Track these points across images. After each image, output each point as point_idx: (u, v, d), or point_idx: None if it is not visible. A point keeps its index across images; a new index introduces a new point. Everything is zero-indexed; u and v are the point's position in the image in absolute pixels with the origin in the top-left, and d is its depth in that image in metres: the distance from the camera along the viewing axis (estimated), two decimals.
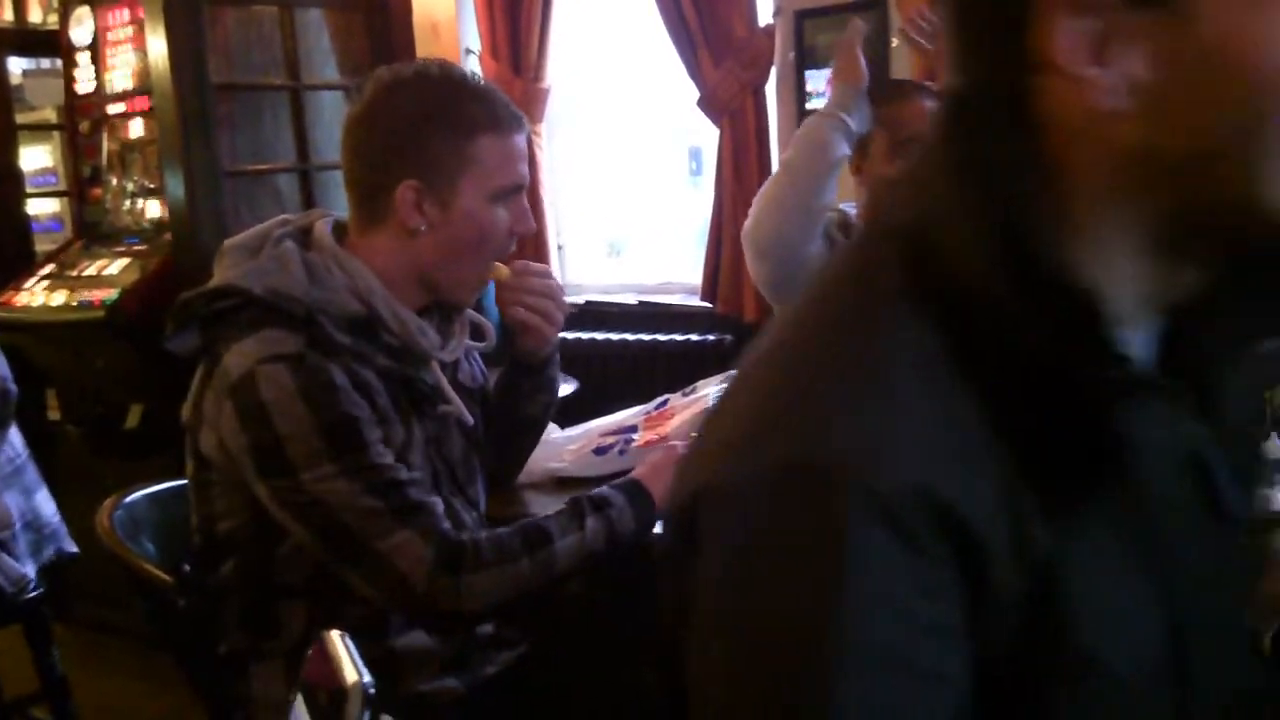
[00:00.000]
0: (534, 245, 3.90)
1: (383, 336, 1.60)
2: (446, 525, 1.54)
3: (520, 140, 1.65)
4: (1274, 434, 1.61)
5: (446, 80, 1.63)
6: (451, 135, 1.59)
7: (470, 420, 1.73)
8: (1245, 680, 0.86)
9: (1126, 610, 0.74)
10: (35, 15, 4.68)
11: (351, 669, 0.44)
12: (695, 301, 3.82)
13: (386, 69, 1.65)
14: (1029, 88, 0.72)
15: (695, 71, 3.62)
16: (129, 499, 1.75)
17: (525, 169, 1.67)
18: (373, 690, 0.43)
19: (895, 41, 3.18)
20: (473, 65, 3.97)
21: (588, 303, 3.96)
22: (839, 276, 0.80)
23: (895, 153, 2.33)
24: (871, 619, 0.67)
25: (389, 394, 1.59)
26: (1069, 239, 0.72)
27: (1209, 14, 0.67)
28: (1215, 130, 0.69)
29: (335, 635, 0.46)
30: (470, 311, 1.79)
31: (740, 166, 3.61)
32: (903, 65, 3.20)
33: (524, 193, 1.68)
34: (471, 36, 3.96)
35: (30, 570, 2.52)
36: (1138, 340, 0.76)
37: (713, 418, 0.80)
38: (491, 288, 1.77)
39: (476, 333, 1.82)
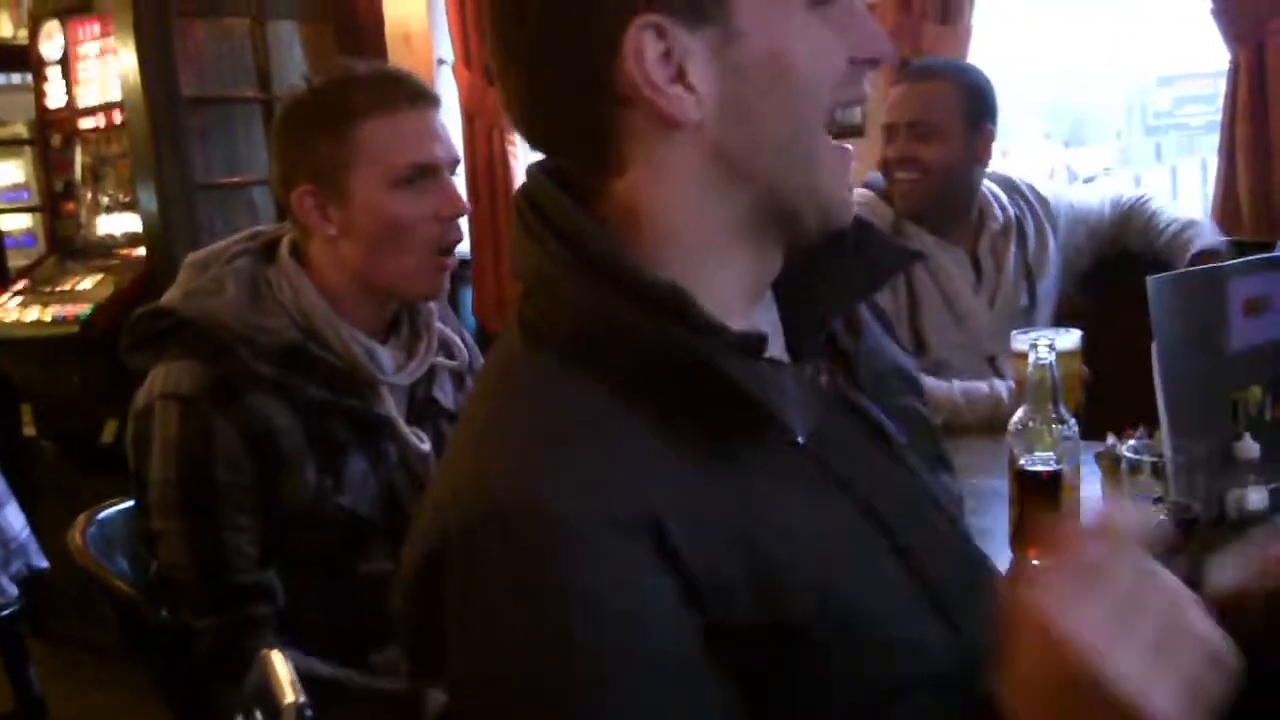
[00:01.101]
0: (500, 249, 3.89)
1: (324, 360, 1.56)
2: (257, 617, 1.52)
3: (421, 117, 1.57)
4: (1246, 434, 1.62)
5: (332, 79, 1.58)
6: (332, 128, 1.54)
7: (425, 449, 1.65)
8: (971, 575, 0.97)
9: (825, 534, 0.84)
10: (5, 30, 4.66)
11: (289, 690, 0.44)
12: None
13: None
14: (608, 122, 0.84)
15: None
16: (101, 515, 1.75)
17: (434, 146, 1.58)
18: (309, 712, 0.43)
19: None
20: (445, 75, 3.97)
21: None
22: (500, 339, 0.91)
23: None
24: (603, 628, 0.74)
25: (311, 433, 1.55)
26: (651, 253, 0.84)
27: (753, 30, 0.82)
28: (775, 130, 0.84)
29: (275, 655, 0.46)
30: (441, 327, 1.73)
31: None
32: None
33: (443, 172, 1.59)
34: (445, 47, 3.95)
35: (8, 585, 2.51)
36: (761, 321, 0.91)
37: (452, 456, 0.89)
38: (468, 297, 1.74)
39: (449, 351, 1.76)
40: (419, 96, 1.58)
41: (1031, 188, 2.59)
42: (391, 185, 1.54)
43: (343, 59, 1.65)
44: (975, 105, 2.38)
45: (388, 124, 1.54)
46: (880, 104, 2.44)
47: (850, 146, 0.89)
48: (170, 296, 1.59)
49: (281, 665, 0.46)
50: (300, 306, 1.56)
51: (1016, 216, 2.50)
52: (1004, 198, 2.52)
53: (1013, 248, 2.47)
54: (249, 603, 1.52)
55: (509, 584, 0.75)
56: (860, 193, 2.48)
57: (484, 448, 0.83)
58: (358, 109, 1.54)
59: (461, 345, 1.78)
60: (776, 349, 0.91)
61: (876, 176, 2.51)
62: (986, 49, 3.07)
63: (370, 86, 1.56)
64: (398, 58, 3.87)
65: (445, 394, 1.74)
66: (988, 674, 0.89)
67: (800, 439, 0.83)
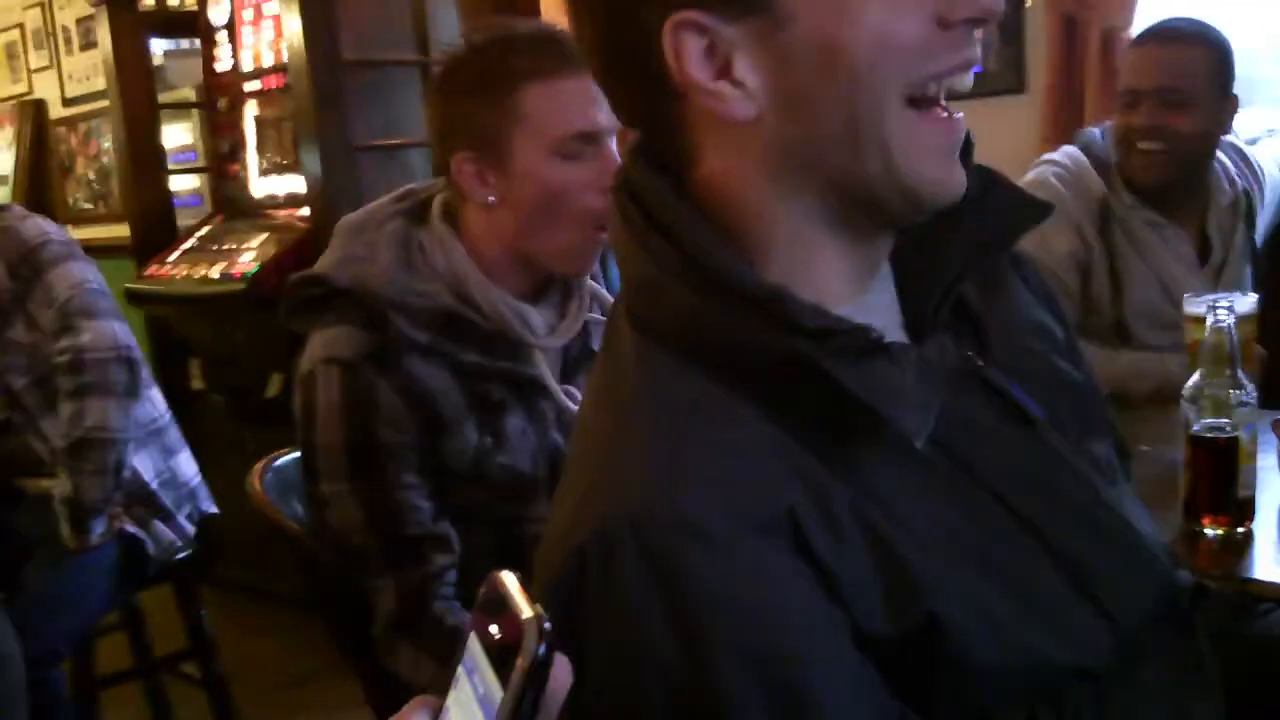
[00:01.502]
0: None
1: (477, 325, 1.56)
2: (435, 570, 1.54)
3: (582, 82, 1.49)
4: None
5: (492, 39, 1.54)
6: (493, 93, 1.51)
7: (574, 408, 1.64)
8: (1136, 562, 0.91)
9: (952, 528, 0.80)
10: None
11: (526, 604, 0.45)
12: None
13: (466, 33, 1.60)
14: (674, 117, 0.82)
15: None
16: (279, 462, 1.80)
17: (596, 113, 1.51)
18: (548, 624, 0.44)
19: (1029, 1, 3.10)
20: None
21: None
22: (602, 358, 0.90)
23: None
24: (746, 628, 0.72)
25: (471, 396, 1.56)
26: (752, 254, 0.82)
27: (802, 11, 0.76)
28: (833, 118, 0.78)
29: (506, 574, 0.47)
30: (592, 284, 1.70)
31: None
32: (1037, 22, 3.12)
33: (605, 140, 1.53)
34: None
35: (186, 525, 2.62)
36: (875, 304, 0.86)
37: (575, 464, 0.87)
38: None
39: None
40: (578, 62, 1.48)
41: (1256, 159, 2.41)
42: (554, 153, 1.51)
43: (500, 18, 1.60)
44: (1225, 71, 2.21)
45: (550, 90, 1.51)
46: (1036, 60, 2.29)
47: (958, 114, 0.82)
48: (324, 263, 1.59)
49: (513, 581, 0.46)
50: (452, 271, 1.56)
51: (1245, 191, 2.33)
52: (1232, 169, 2.35)
53: (1241, 226, 2.31)
54: (426, 556, 1.54)
55: (650, 593, 0.72)
56: (1068, 153, 2.32)
57: (610, 455, 0.81)
58: (519, 73, 1.50)
59: (610, 299, 1.75)
60: (893, 331, 0.87)
61: (1094, 136, 2.33)
62: (1152, 5, 2.95)
63: (531, 49, 1.52)
64: (550, 16, 3.88)
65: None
66: (1148, 657, 0.86)
67: (918, 444, 0.78)
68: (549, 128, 1.51)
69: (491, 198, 1.55)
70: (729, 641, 0.71)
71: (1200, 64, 2.18)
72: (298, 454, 1.85)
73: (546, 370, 1.62)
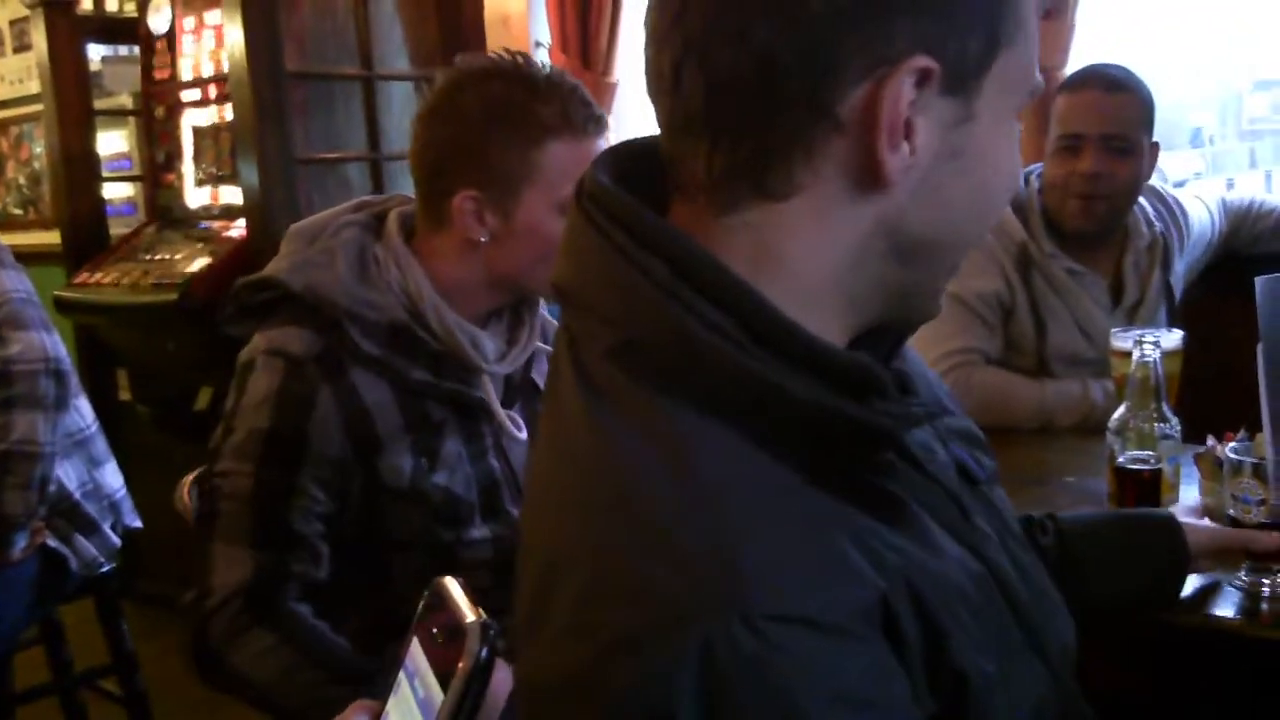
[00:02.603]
0: None
1: (426, 343, 1.54)
2: (300, 571, 1.49)
3: (598, 146, 1.51)
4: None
5: (517, 78, 1.51)
6: (515, 141, 1.49)
7: (521, 435, 1.64)
8: (1059, 614, 0.93)
9: (961, 587, 0.78)
10: (113, 3, 4.76)
11: (470, 609, 0.45)
12: None
13: (460, 61, 1.56)
14: (811, 141, 0.73)
15: None
16: None
17: None
18: (493, 629, 0.44)
19: None
20: (542, 58, 3.99)
21: None
22: (589, 411, 0.75)
23: None
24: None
25: (409, 414, 1.54)
26: (770, 292, 0.74)
27: (983, 118, 0.75)
28: (955, 224, 0.78)
29: (449, 580, 0.48)
30: (542, 313, 1.71)
31: None
32: None
33: None
34: (542, 29, 3.98)
35: (112, 537, 2.57)
36: None
37: (549, 601, 0.67)
38: None
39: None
40: (599, 121, 1.53)
41: (1177, 201, 2.45)
42: (560, 209, 1.50)
43: (508, 51, 1.55)
44: (1151, 119, 2.24)
45: (571, 149, 1.50)
46: None
47: None
48: (277, 267, 1.57)
49: (455, 588, 0.47)
50: (406, 289, 1.55)
51: (1162, 234, 2.36)
52: (1150, 211, 2.38)
53: (1157, 269, 2.34)
54: (295, 554, 1.49)
55: (767, 699, 0.63)
56: None
57: (650, 524, 0.69)
58: (546, 127, 1.49)
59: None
60: None
61: None
62: (1081, 48, 3.02)
63: (556, 101, 1.50)
64: (496, 39, 3.91)
65: (541, 374, 1.72)
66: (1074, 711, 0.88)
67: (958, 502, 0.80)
68: (563, 185, 1.49)
69: (484, 237, 1.54)
70: None
71: (1138, 112, 2.22)
72: None
73: (493, 394, 1.61)
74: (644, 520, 0.69)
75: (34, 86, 4.64)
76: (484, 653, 0.43)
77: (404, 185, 3.75)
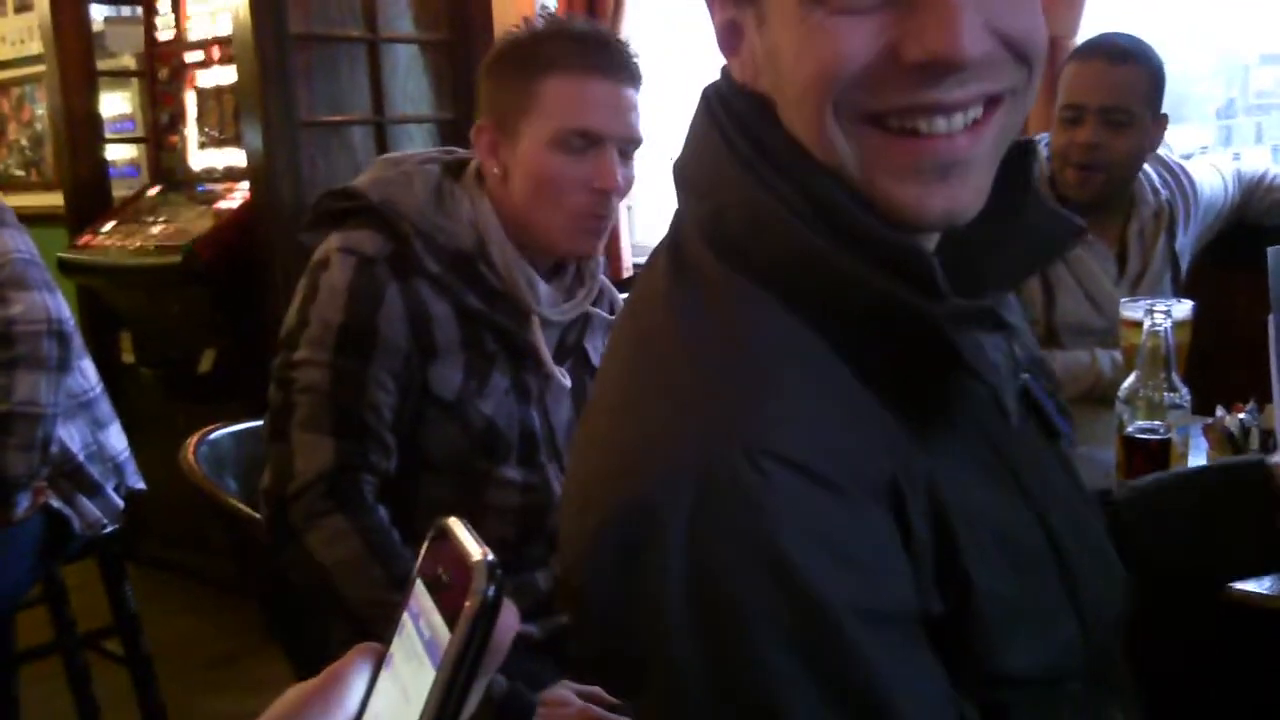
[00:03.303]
0: None
1: (485, 279, 1.60)
2: (375, 462, 1.55)
3: (606, 87, 1.56)
4: None
5: (542, 28, 1.60)
6: (519, 73, 1.57)
7: (566, 384, 1.69)
8: (1109, 577, 0.92)
9: (999, 523, 0.79)
10: None
11: (476, 547, 0.45)
12: None
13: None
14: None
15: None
16: (213, 436, 1.78)
17: (607, 118, 1.56)
18: (500, 569, 0.43)
19: None
20: None
21: None
22: (669, 290, 0.82)
23: None
24: (830, 576, 0.69)
25: (466, 334, 1.60)
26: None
27: (771, 20, 0.79)
28: (794, 120, 0.79)
29: (453, 520, 0.47)
30: (605, 281, 1.77)
31: None
32: None
33: (607, 145, 1.57)
34: None
35: (115, 499, 2.57)
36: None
37: (598, 438, 0.81)
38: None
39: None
40: (614, 67, 1.57)
41: (1184, 170, 2.43)
42: (554, 144, 1.55)
43: (553, 14, 1.64)
44: (1159, 92, 2.21)
45: (571, 84, 1.55)
46: None
47: (946, 134, 0.76)
48: (359, 181, 1.65)
49: (461, 527, 0.46)
50: (476, 223, 1.61)
51: (1168, 201, 2.35)
52: (1156, 179, 2.37)
53: (1163, 236, 2.32)
54: (369, 446, 1.55)
55: (766, 534, 0.68)
56: None
57: (703, 388, 0.75)
58: (545, 61, 1.55)
59: (619, 300, 1.80)
60: None
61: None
62: (1088, 20, 2.99)
63: (571, 44, 1.56)
64: (501, 2, 3.87)
65: (595, 348, 1.77)
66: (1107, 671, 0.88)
67: (1012, 420, 0.79)
68: (555, 119, 1.55)
69: (497, 170, 1.61)
70: (849, 599, 0.69)
71: (1143, 84, 2.20)
72: (234, 427, 1.84)
73: (542, 340, 1.65)
74: (687, 368, 0.77)
75: (35, 47, 4.61)
76: (491, 591, 0.42)
77: (407, 148, 3.73)
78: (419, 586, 0.47)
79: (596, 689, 1.43)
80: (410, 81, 3.88)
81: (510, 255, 1.61)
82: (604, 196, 1.59)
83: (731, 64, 0.84)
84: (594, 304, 1.75)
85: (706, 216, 0.82)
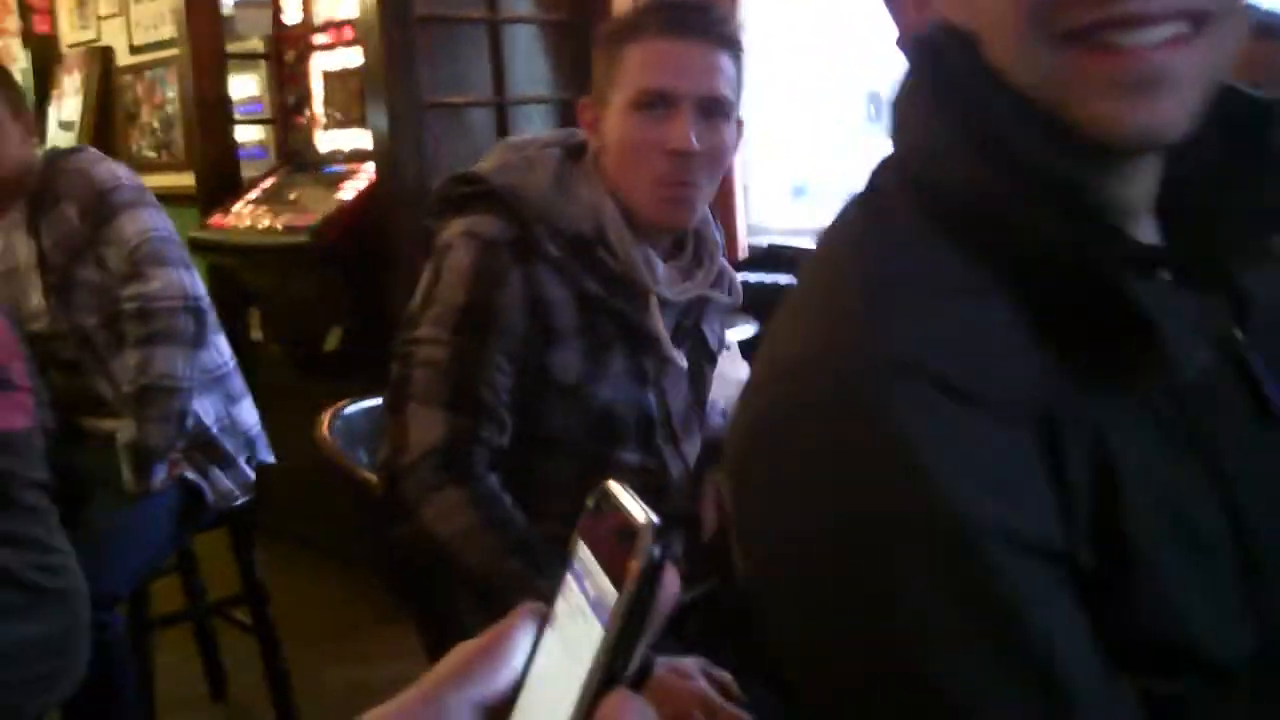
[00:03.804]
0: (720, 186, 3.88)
1: (604, 263, 1.61)
2: (487, 437, 1.56)
3: (681, 47, 1.57)
4: None
5: (647, 3, 1.64)
6: (610, 45, 1.61)
7: (684, 365, 1.70)
8: None
9: (1174, 495, 0.76)
10: None
11: (640, 510, 0.45)
12: None
13: None
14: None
15: (897, 9, 3.54)
16: (347, 410, 1.82)
17: (679, 78, 1.56)
18: (666, 530, 0.44)
19: None
20: None
21: (770, 246, 3.93)
22: (853, 219, 0.86)
23: None
24: (970, 493, 0.69)
25: (584, 319, 1.61)
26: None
27: None
28: (992, 43, 0.78)
29: (614, 484, 0.48)
30: (725, 263, 1.76)
31: None
32: None
33: (682, 105, 1.56)
34: None
35: (247, 470, 2.64)
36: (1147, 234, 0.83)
37: (769, 343, 0.83)
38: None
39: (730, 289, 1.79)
40: (694, 28, 1.57)
41: None
42: (633, 106, 1.58)
43: None
44: None
45: (647, 48, 1.58)
46: None
47: (1150, 48, 0.73)
48: (482, 166, 1.67)
49: (623, 490, 0.47)
50: (595, 206, 1.62)
51: None
52: None
53: None
54: (483, 421, 1.57)
55: (879, 451, 0.71)
56: None
57: (846, 303, 0.78)
58: (631, 29, 1.60)
59: (739, 286, 1.80)
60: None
61: None
62: None
63: (655, 8, 1.61)
64: None
65: (713, 332, 1.79)
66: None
67: (1188, 376, 0.74)
68: (633, 79, 1.58)
69: (596, 143, 1.65)
70: (991, 518, 0.69)
71: None
72: (366, 403, 1.88)
73: (660, 320, 1.66)
74: (849, 289, 0.80)
75: (167, 32, 4.74)
76: (657, 551, 0.42)
77: (528, 130, 3.75)
78: (581, 547, 0.47)
79: (727, 675, 1.43)
80: (531, 62, 3.91)
81: (627, 236, 1.62)
82: (684, 160, 1.57)
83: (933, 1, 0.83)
84: (713, 286, 1.74)
85: (901, 153, 0.85)
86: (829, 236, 0.88)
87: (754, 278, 3.60)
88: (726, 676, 1.43)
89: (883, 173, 0.87)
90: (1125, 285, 0.73)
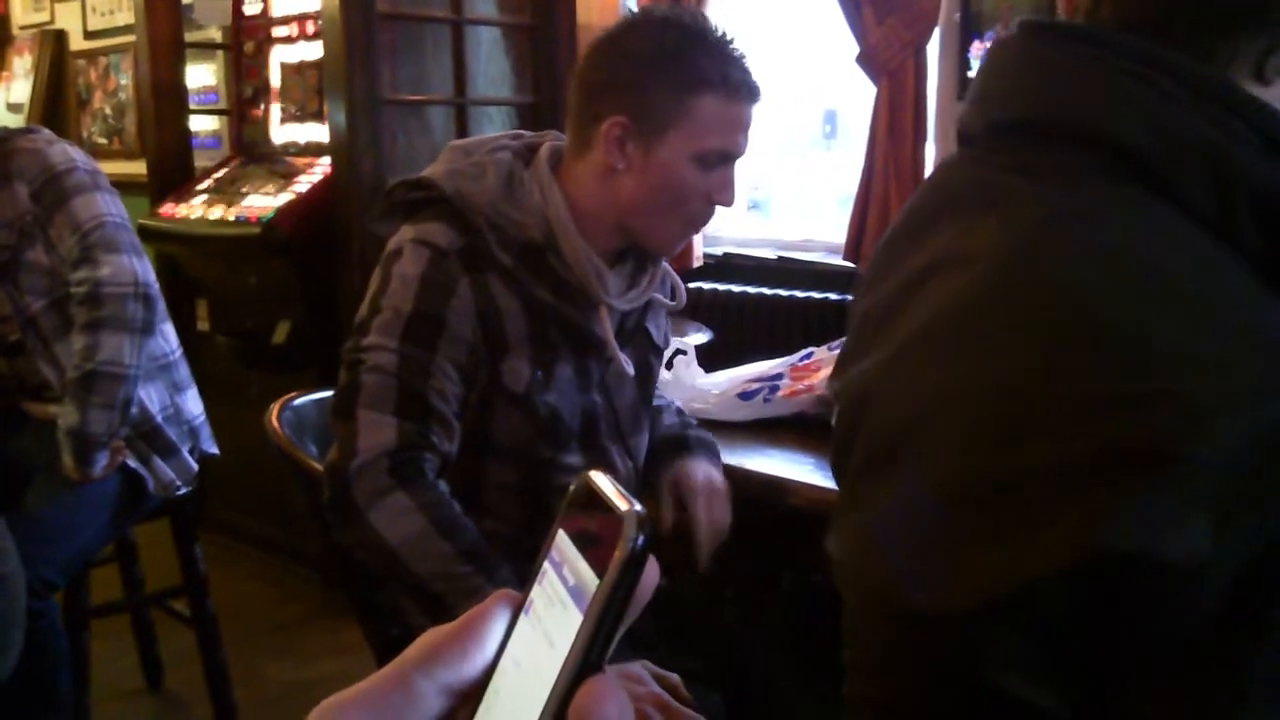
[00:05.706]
0: None
1: (555, 269, 1.62)
2: (436, 443, 1.56)
3: (746, 111, 1.62)
4: None
5: (691, 28, 1.62)
6: (674, 83, 1.59)
7: (630, 372, 1.72)
8: None
9: None
10: None
11: (621, 499, 0.45)
12: (836, 260, 3.79)
13: (646, 5, 1.67)
14: None
15: (857, 26, 3.58)
16: (296, 402, 1.81)
17: (743, 141, 1.64)
18: (648, 520, 0.44)
19: None
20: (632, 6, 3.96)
21: (725, 255, 3.95)
22: (1043, 196, 0.83)
23: None
24: None
25: (533, 326, 1.61)
26: None
27: None
28: None
29: (596, 474, 0.48)
30: (669, 269, 1.79)
31: (895, 127, 3.55)
32: None
33: (733, 164, 1.64)
34: None
35: (190, 461, 2.62)
36: None
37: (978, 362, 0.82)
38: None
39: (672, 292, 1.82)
40: (753, 90, 1.62)
41: None
42: (694, 158, 1.60)
43: (687, 8, 1.65)
44: None
45: (723, 107, 1.60)
46: None
47: None
48: (433, 171, 1.66)
49: (604, 480, 0.47)
50: (546, 213, 1.62)
51: None
52: None
53: None
54: (432, 427, 1.57)
55: None
56: None
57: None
58: (706, 80, 1.58)
59: (682, 289, 1.82)
60: None
61: None
62: None
63: (719, 58, 1.60)
64: (585, 2, 3.87)
65: (657, 327, 1.81)
66: None
67: None
68: (705, 137, 1.60)
69: (621, 165, 1.62)
70: None
71: None
72: (316, 395, 1.87)
73: (609, 328, 1.68)
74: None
75: (123, 18, 4.69)
76: (640, 540, 0.43)
77: (487, 130, 3.74)
78: (560, 535, 0.48)
79: (675, 676, 1.43)
80: (493, 64, 3.90)
81: (580, 246, 1.62)
82: (714, 207, 1.65)
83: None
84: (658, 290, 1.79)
85: (1110, 156, 0.82)
86: (1035, 225, 0.86)
87: (709, 286, 3.63)
88: (675, 678, 1.43)
89: (1058, 180, 0.87)
90: None
